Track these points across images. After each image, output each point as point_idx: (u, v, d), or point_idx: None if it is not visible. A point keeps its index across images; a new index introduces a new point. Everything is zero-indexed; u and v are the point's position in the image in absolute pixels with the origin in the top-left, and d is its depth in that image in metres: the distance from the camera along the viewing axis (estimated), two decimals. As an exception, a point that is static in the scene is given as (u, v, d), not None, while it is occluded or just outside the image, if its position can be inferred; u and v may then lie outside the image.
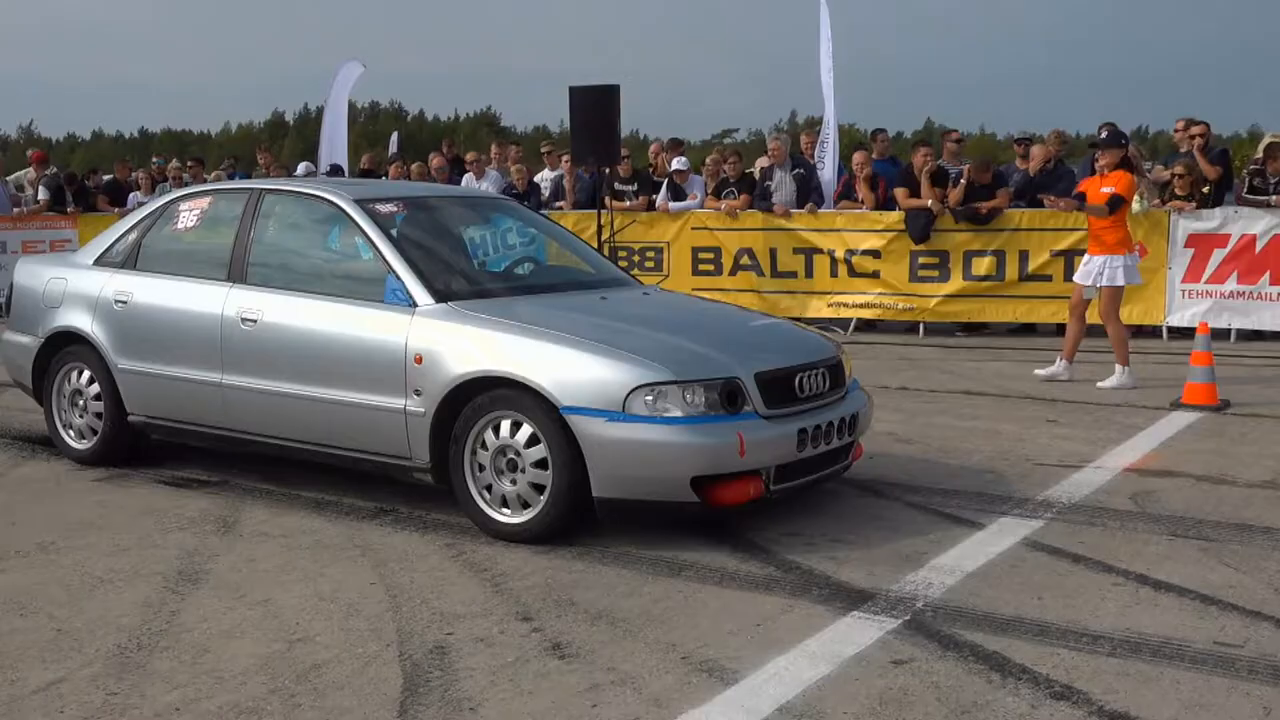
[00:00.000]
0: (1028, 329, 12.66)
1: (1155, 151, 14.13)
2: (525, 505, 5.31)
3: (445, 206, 6.83)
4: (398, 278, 5.74)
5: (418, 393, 5.51)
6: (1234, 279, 11.65)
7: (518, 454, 5.29)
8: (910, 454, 6.97)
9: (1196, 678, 3.80)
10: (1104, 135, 9.25)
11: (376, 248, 5.88)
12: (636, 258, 13.75)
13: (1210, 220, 11.74)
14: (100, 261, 6.96)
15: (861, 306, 12.89)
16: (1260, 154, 12.12)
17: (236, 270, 6.29)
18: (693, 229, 13.53)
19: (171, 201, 6.95)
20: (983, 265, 12.40)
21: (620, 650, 4.08)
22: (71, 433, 6.97)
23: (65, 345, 6.92)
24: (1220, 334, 11.64)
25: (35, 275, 7.22)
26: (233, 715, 3.61)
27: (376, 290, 5.79)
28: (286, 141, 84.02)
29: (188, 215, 6.76)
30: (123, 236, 6.96)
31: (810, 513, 5.69)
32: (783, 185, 13.21)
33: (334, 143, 16.26)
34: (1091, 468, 6.63)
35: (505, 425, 5.32)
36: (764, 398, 5.26)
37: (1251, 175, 11.90)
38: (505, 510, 5.36)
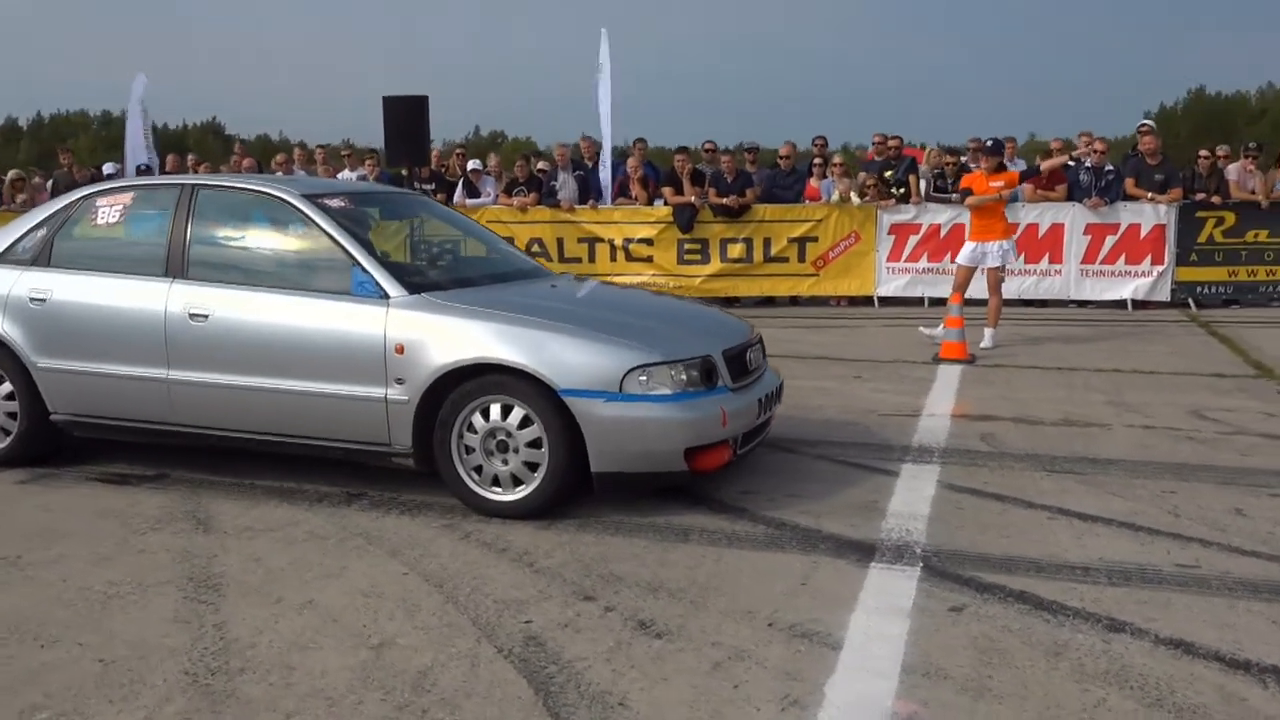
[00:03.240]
0: (769, 301, 12.64)
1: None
2: (517, 483, 4.51)
3: (376, 202, 5.77)
4: (364, 270, 4.74)
5: (399, 381, 4.57)
6: (925, 258, 12.06)
7: (509, 435, 4.47)
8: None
9: (1197, 599, 3.60)
10: (989, 144, 9.21)
11: (338, 242, 4.83)
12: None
13: (907, 213, 12.08)
14: (2, 259, 5.45)
15: (638, 286, 12.44)
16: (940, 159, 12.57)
17: (175, 266, 5.06)
18: (488, 222, 12.44)
19: (85, 198, 5.49)
20: (735, 250, 12.23)
21: (706, 623, 3.44)
22: None
23: None
24: (915, 301, 12.08)
25: None
26: (377, 742, 2.72)
27: (339, 282, 4.76)
28: (22, 144, 73.81)
29: (108, 211, 5.36)
30: (29, 234, 5.46)
31: (748, 472, 5.18)
32: (566, 185, 12.52)
33: (135, 145, 14.05)
34: (926, 415, 6.48)
35: (495, 409, 4.49)
36: (730, 373, 4.71)
37: (935, 178, 12.31)
38: (496, 489, 4.54)
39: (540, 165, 13.46)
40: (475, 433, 4.52)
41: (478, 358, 4.47)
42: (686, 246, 12.29)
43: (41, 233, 5.43)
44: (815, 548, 4.13)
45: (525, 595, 3.68)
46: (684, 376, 4.48)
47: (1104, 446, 5.68)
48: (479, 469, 4.55)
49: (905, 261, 12.15)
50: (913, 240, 12.10)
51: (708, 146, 12.96)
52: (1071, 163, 11.19)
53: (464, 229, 6.24)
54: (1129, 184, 11.52)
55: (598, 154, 13.08)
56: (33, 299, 5.24)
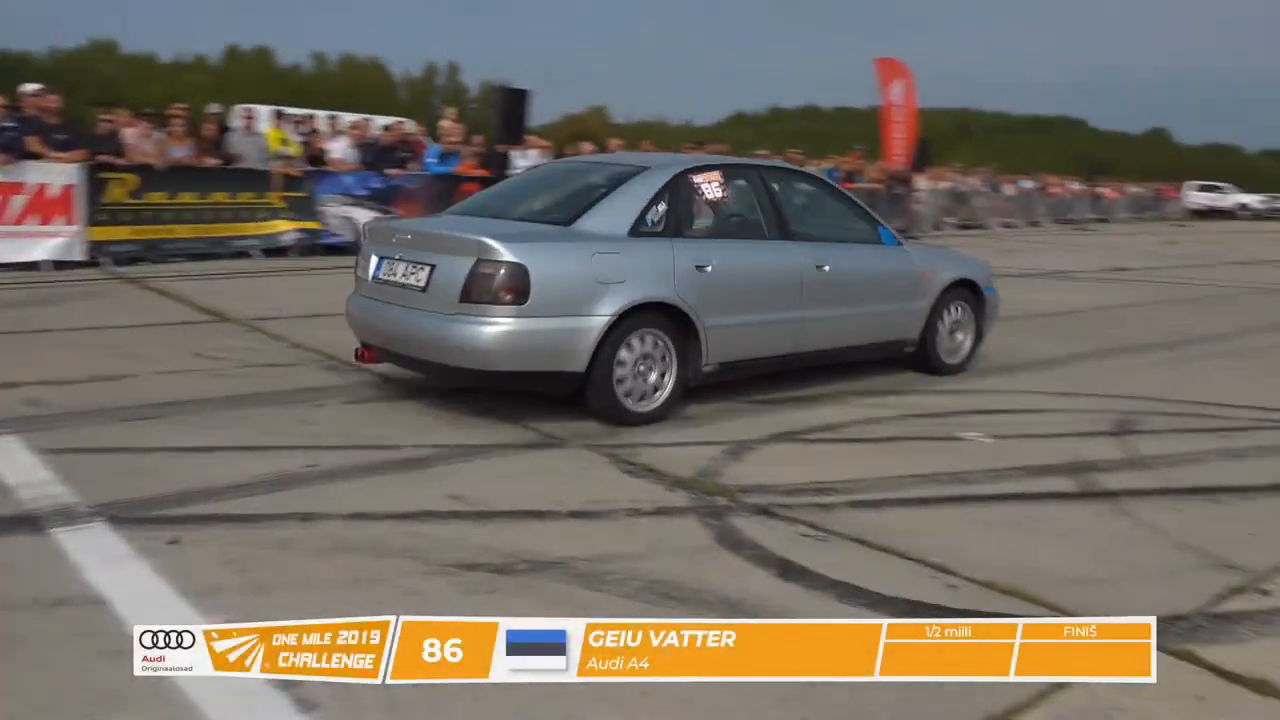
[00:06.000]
0: None
1: None
2: None
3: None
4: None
5: None
6: None
7: None
8: None
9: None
10: None
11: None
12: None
13: None
14: (637, 233, 5.62)
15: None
16: None
17: (780, 231, 6.19)
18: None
19: (683, 174, 5.95)
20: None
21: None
22: (630, 400, 5.48)
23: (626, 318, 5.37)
24: None
25: (569, 256, 5.40)
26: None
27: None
28: None
29: (711, 188, 6.22)
30: (649, 207, 5.68)
31: None
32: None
33: None
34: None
35: None
36: None
37: None
38: None
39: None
40: None
41: None
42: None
43: (661, 207, 5.78)
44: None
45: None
46: None
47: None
48: None
49: None
50: None
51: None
52: None
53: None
54: (33, 142, 11.28)
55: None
56: (697, 267, 5.69)
